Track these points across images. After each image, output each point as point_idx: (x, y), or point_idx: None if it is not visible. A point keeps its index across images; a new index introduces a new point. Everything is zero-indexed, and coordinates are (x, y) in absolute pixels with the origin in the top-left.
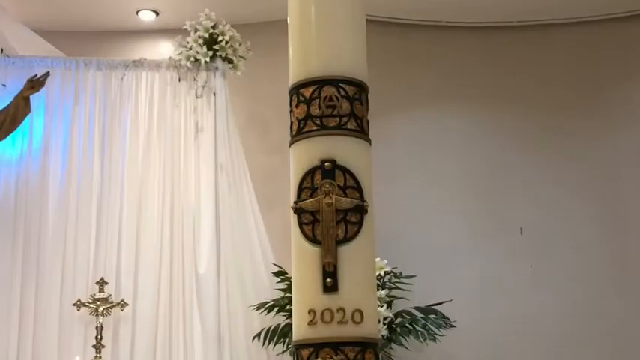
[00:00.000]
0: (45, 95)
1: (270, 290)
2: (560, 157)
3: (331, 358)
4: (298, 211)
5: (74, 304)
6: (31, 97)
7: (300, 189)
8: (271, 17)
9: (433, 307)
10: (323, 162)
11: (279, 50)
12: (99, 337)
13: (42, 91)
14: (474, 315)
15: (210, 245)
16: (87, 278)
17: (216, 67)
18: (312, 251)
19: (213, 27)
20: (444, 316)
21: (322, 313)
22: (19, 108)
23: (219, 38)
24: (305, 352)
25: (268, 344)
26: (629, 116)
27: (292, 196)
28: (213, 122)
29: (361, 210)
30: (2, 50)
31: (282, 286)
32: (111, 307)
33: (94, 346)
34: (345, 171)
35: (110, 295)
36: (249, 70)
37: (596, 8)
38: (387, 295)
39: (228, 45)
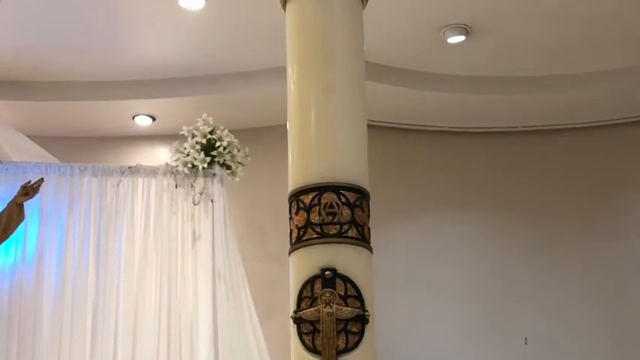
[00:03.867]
0: (39, 202)
1: None
2: (565, 263)
3: None
4: (298, 321)
5: None
6: (24, 204)
7: (300, 298)
8: (271, 122)
9: None
10: (323, 270)
11: (279, 155)
12: None
13: (36, 198)
14: None
15: (208, 355)
16: None
17: (214, 174)
18: None
19: (210, 132)
20: None
21: None
22: (13, 215)
23: (217, 144)
24: None
25: None
26: (635, 222)
27: (292, 305)
28: (211, 229)
29: (362, 319)
30: None
31: None
32: None
33: None
34: (346, 280)
35: None
36: (247, 176)
37: (600, 114)
38: None
39: (227, 151)
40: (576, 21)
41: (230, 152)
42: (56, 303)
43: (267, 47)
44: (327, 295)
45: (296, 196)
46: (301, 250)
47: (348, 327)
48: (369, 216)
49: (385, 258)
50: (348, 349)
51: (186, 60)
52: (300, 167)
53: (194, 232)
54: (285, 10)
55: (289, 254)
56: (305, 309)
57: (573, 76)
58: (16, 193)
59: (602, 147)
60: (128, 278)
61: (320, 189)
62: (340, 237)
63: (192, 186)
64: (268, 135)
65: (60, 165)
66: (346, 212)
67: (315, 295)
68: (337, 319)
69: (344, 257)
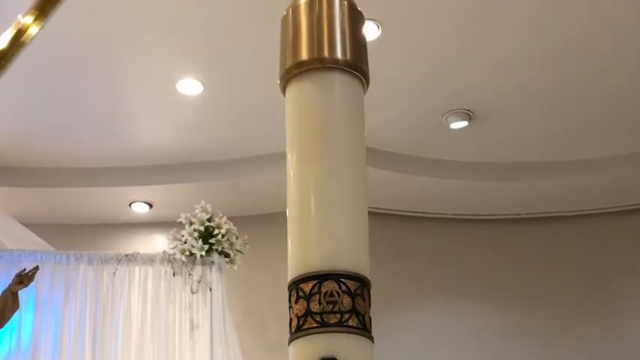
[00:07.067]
0: (34, 290)
1: None
2: (565, 349)
3: None
4: None
5: None
6: (19, 292)
7: None
8: (270, 209)
9: None
10: None
11: (278, 243)
12: None
13: (31, 286)
14: None
15: None
16: None
17: (212, 262)
18: None
19: (209, 219)
20: None
21: None
22: (7, 304)
23: (215, 231)
24: None
25: None
26: (635, 308)
27: None
28: (209, 319)
29: None
30: None
31: None
32: None
33: None
34: None
35: None
36: (246, 263)
37: (602, 201)
38: None
39: (225, 238)
40: (579, 107)
41: (228, 240)
42: None
43: (267, 133)
44: None
45: (296, 285)
46: (301, 339)
47: None
48: (370, 305)
49: (386, 347)
50: None
51: (183, 146)
52: (299, 255)
53: (192, 321)
54: (284, 94)
55: (289, 344)
56: None
57: (576, 163)
58: (10, 282)
59: (602, 234)
60: None
61: (320, 277)
62: (341, 326)
63: (190, 274)
64: (268, 222)
65: (55, 253)
66: (347, 301)
67: None
68: None
69: (345, 347)
